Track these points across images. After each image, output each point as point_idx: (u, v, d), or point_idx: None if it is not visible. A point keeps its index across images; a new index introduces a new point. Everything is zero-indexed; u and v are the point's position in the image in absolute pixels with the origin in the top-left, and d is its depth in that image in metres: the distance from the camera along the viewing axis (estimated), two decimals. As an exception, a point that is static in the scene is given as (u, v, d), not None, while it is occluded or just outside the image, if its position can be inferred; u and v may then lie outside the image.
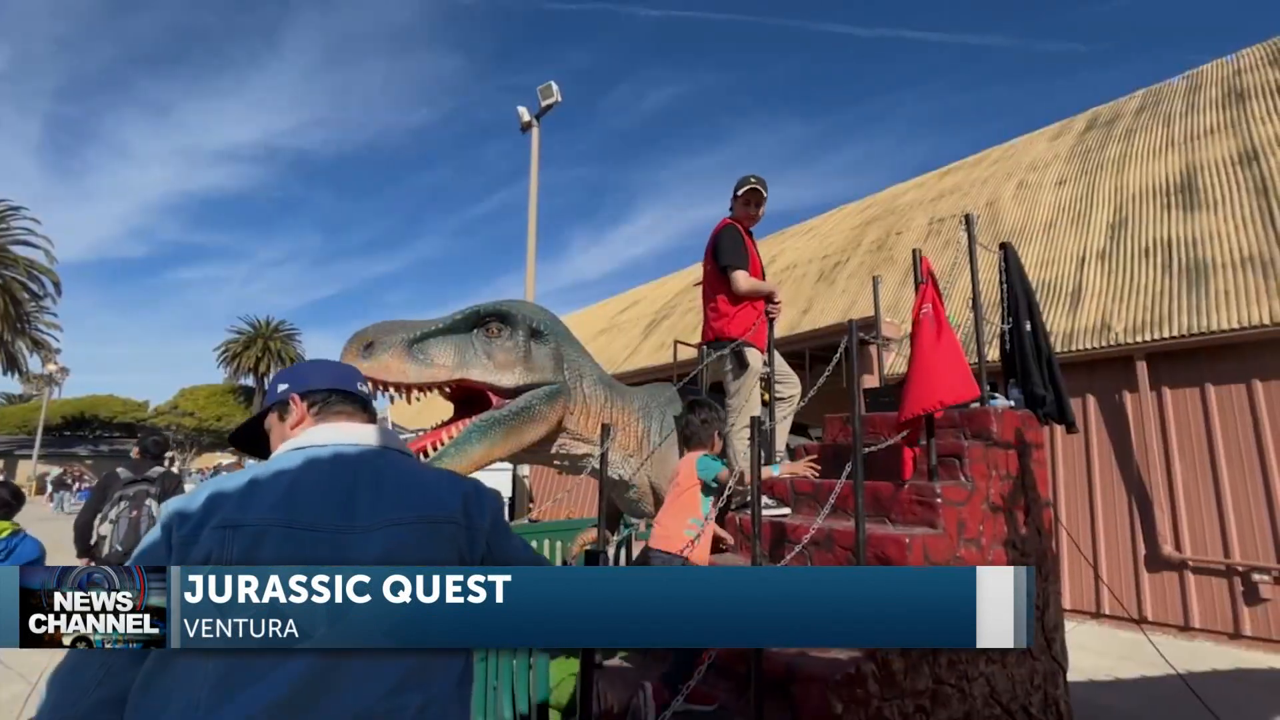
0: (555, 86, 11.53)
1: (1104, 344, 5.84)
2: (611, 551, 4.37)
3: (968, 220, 3.21)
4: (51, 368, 27.13)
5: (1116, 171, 8.06)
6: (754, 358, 3.01)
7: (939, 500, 2.39)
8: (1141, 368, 5.70)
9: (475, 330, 2.69)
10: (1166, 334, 5.53)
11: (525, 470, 11.40)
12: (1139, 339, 5.66)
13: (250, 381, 41.13)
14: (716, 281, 3.06)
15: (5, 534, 2.82)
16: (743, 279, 2.95)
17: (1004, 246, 3.32)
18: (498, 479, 10.97)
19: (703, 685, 2.00)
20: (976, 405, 2.96)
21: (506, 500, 11.24)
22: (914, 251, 2.92)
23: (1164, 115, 8.71)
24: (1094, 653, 4.61)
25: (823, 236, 12.58)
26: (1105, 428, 5.94)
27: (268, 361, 40.44)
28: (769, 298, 3.07)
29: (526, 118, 11.82)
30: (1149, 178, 7.51)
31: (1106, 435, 5.92)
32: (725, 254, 2.98)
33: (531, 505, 11.60)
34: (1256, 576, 4.90)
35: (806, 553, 2.46)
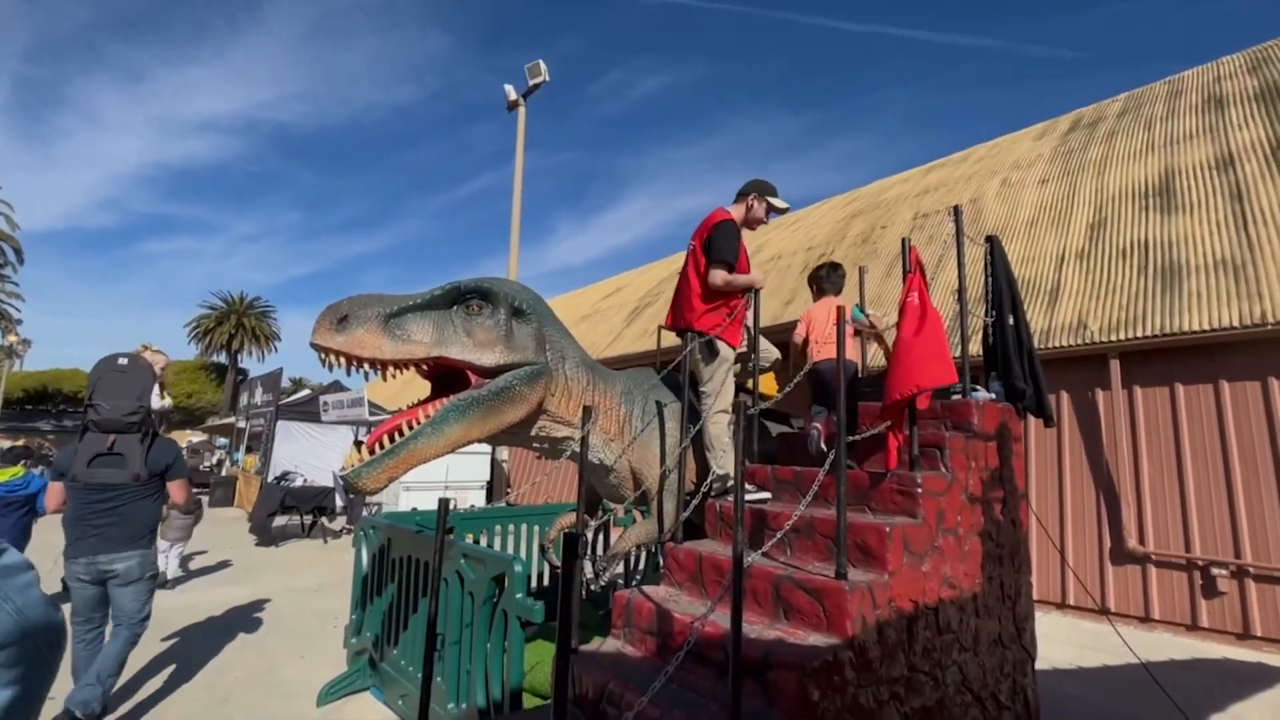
0: (543, 65, 11.32)
1: (1079, 342, 5.94)
2: (590, 536, 4.34)
3: (956, 211, 3.21)
4: (12, 339, 26.19)
5: (1097, 173, 8.17)
6: (724, 345, 2.98)
7: (919, 490, 2.39)
8: (1114, 366, 5.82)
9: (455, 307, 2.61)
10: (1140, 334, 5.63)
11: (504, 454, 11.31)
12: (1113, 338, 5.76)
13: (223, 359, 40.18)
14: (699, 272, 3.02)
15: (21, 474, 4.41)
16: (721, 277, 2.91)
17: (990, 239, 3.33)
18: (475, 462, 10.87)
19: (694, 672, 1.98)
20: (958, 397, 2.97)
21: (484, 484, 11.15)
22: (903, 240, 2.91)
23: (1145, 119, 8.84)
24: (1059, 642, 4.73)
25: (808, 229, 12.60)
26: (1077, 423, 6.06)
27: (241, 338, 39.45)
28: (744, 290, 3.01)
29: (513, 96, 11.61)
30: (1129, 180, 7.63)
31: (1078, 431, 6.04)
32: (721, 249, 2.92)
33: (509, 489, 11.54)
34: (1215, 571, 5.06)
35: (787, 540, 2.45)
